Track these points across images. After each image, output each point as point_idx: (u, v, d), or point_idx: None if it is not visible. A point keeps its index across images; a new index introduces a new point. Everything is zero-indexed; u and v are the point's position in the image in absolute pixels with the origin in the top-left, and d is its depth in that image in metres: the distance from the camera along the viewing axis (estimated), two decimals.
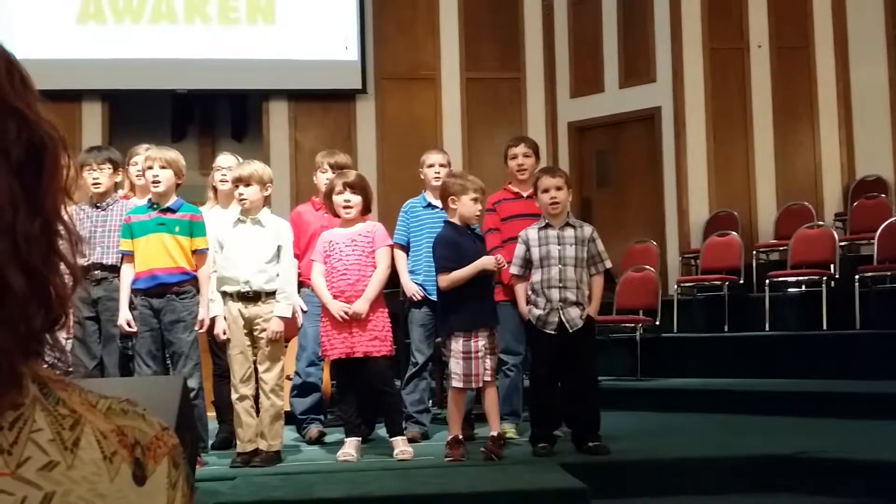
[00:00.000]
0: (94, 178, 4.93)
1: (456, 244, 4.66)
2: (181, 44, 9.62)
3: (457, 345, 4.55)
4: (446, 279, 4.61)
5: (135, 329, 4.68)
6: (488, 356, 4.58)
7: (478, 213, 4.69)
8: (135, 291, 4.70)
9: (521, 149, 5.49)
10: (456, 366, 4.54)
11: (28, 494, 0.60)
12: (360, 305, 4.56)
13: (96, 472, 0.64)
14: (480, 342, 4.55)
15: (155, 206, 4.76)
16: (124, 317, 4.68)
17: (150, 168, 4.74)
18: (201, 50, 9.65)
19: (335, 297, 4.61)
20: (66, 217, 0.67)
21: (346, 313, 4.55)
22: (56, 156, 0.66)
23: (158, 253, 4.68)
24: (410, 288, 5.30)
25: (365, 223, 4.78)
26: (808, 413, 5.75)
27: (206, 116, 10.58)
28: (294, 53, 9.79)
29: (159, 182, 4.71)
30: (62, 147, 0.67)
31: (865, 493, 4.10)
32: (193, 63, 9.64)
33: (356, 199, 4.68)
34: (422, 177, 5.60)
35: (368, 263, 4.66)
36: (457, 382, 4.56)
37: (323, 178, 5.43)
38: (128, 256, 4.74)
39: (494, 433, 4.56)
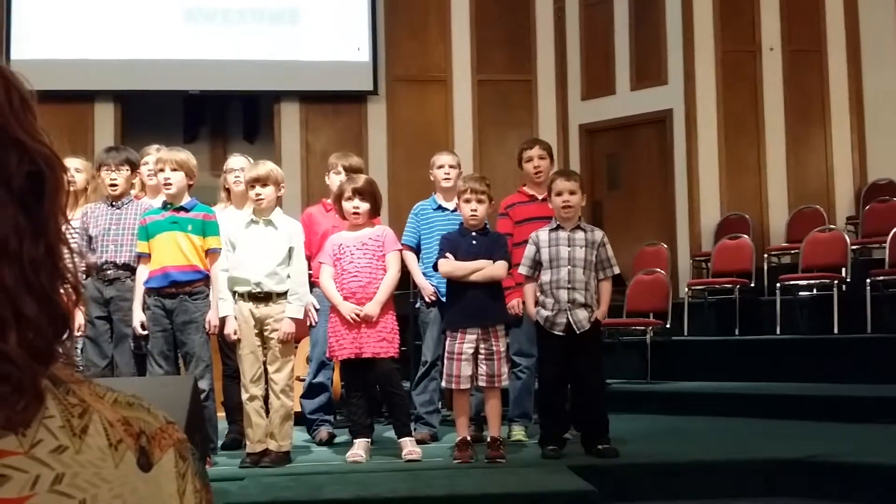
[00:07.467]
0: (111, 179, 4.97)
1: (451, 242, 4.70)
2: (193, 45, 9.66)
3: (446, 344, 4.66)
4: (446, 263, 4.65)
5: (147, 332, 4.71)
6: (485, 360, 4.56)
7: (471, 214, 4.67)
8: (148, 291, 4.73)
9: (536, 151, 5.44)
10: (445, 365, 4.66)
11: (41, 473, 0.63)
12: (372, 308, 4.58)
13: (101, 458, 0.66)
14: (466, 345, 4.56)
15: (169, 205, 4.79)
16: (138, 319, 4.71)
17: (162, 170, 4.76)
18: (213, 51, 9.68)
19: (346, 298, 4.62)
20: (66, 235, 0.69)
21: (357, 315, 4.57)
22: (56, 178, 0.68)
23: (171, 251, 4.71)
24: (428, 288, 5.28)
25: (374, 227, 4.80)
26: (819, 417, 5.73)
27: (218, 117, 10.61)
28: (306, 55, 9.82)
29: (171, 184, 4.74)
30: (61, 168, 0.69)
31: (879, 498, 4.07)
32: (205, 64, 9.68)
33: (364, 207, 4.70)
34: (431, 178, 5.59)
35: (379, 267, 4.69)
36: (443, 381, 4.73)
37: (336, 180, 5.42)
38: (144, 258, 4.77)
39: (489, 437, 4.59)
